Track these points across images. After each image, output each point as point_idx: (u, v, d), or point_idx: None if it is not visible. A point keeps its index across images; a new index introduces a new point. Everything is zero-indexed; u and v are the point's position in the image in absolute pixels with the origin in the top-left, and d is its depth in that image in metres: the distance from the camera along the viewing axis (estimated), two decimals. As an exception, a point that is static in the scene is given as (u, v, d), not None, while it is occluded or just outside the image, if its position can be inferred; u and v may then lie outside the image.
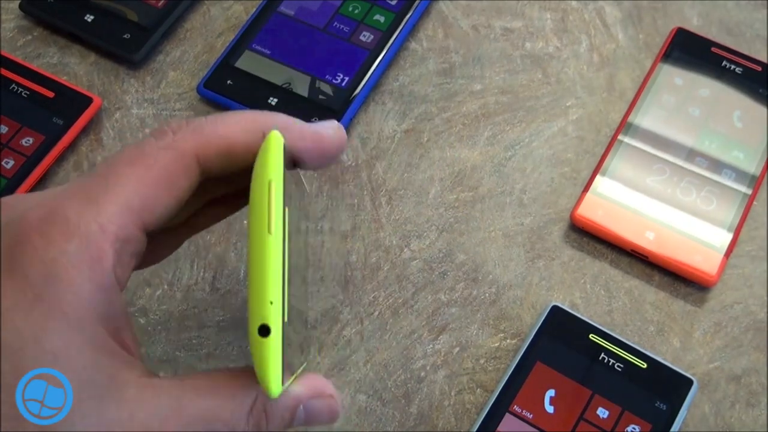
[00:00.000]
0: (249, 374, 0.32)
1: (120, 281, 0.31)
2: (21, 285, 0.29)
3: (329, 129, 0.35)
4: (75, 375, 0.29)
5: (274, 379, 0.30)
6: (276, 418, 0.33)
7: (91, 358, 0.29)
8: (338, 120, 0.50)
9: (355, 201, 0.49)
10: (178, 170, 0.32)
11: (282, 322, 0.30)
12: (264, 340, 0.30)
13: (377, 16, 0.53)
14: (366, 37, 0.53)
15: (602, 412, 0.41)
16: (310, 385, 0.34)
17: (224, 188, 0.36)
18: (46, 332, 0.28)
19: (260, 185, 0.31)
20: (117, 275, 0.30)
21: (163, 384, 0.31)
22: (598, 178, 0.48)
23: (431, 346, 0.45)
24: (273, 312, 0.30)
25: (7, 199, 0.32)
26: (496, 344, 0.45)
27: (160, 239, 0.34)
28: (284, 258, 0.31)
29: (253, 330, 0.30)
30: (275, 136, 0.31)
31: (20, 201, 0.32)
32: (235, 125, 0.33)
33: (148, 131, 0.50)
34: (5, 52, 0.52)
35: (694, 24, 0.55)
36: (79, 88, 0.51)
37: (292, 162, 0.34)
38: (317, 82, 0.51)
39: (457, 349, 0.45)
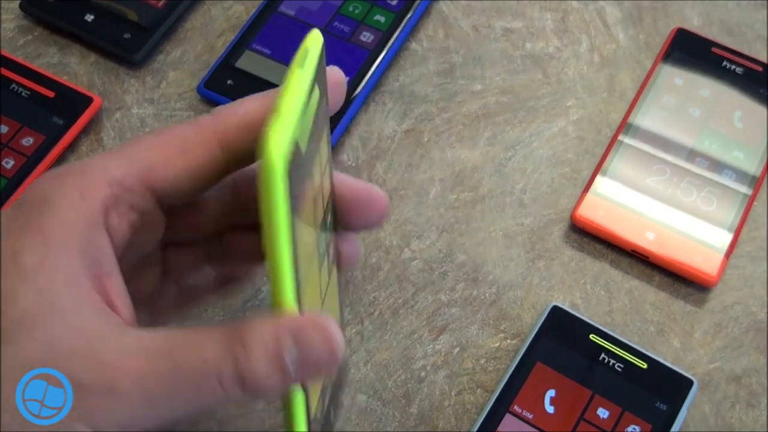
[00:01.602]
0: (227, 325, 0.29)
1: (113, 230, 0.31)
2: (16, 212, 0.31)
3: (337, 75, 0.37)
4: (39, 294, 0.29)
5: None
6: (257, 347, 0.28)
7: (61, 278, 0.29)
8: (338, 120, 0.50)
9: (356, 201, 0.49)
10: (195, 139, 0.33)
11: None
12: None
13: (377, 17, 0.53)
14: (366, 37, 0.53)
15: (602, 413, 0.41)
16: (306, 317, 0.29)
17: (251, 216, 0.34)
18: (24, 249, 0.30)
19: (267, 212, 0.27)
20: (110, 221, 0.31)
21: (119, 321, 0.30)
22: (598, 178, 0.48)
23: (431, 346, 0.45)
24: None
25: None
26: (497, 344, 0.45)
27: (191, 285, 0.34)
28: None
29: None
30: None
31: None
32: (250, 102, 0.34)
33: (148, 131, 0.51)
34: (5, 52, 0.52)
35: (695, 24, 0.55)
36: (79, 88, 0.51)
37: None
38: (317, 82, 0.51)
39: (458, 349, 0.45)
